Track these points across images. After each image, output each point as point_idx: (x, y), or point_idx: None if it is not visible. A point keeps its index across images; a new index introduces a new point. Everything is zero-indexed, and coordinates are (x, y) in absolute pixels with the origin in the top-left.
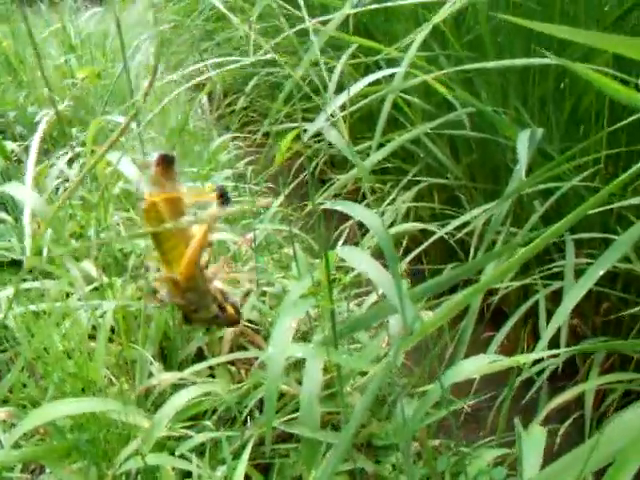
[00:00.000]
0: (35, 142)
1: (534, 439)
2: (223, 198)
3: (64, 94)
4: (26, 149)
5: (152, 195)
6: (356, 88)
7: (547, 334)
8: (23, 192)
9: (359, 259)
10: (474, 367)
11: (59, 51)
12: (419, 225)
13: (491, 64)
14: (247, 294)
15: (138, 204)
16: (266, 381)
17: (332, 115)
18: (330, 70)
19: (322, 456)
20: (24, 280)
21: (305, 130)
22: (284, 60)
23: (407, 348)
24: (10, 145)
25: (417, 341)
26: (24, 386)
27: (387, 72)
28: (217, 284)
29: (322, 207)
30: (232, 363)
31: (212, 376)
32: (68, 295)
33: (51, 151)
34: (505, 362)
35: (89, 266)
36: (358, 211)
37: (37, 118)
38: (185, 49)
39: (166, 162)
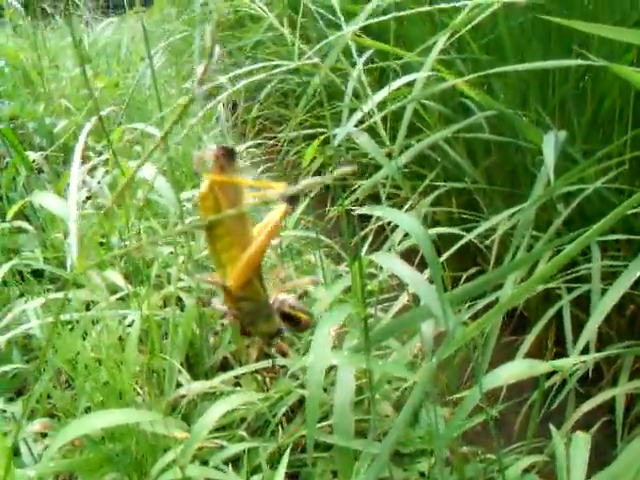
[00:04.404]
0: (78, 151)
1: (578, 447)
2: (289, 198)
3: (81, 104)
4: (47, 159)
5: (211, 181)
6: (381, 95)
7: (579, 345)
8: (54, 202)
9: (394, 264)
10: (513, 372)
11: (75, 62)
12: (446, 229)
13: (512, 67)
14: (301, 297)
15: (196, 195)
16: (307, 389)
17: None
18: (343, 76)
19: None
20: (48, 290)
21: (334, 135)
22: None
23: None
24: (32, 155)
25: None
26: (48, 397)
27: (410, 78)
28: (281, 296)
29: (352, 212)
30: (257, 371)
31: (237, 384)
32: (89, 305)
33: (69, 161)
34: (544, 367)
35: (113, 275)
36: (396, 215)
37: (56, 129)
38: (196, 59)
39: (226, 155)
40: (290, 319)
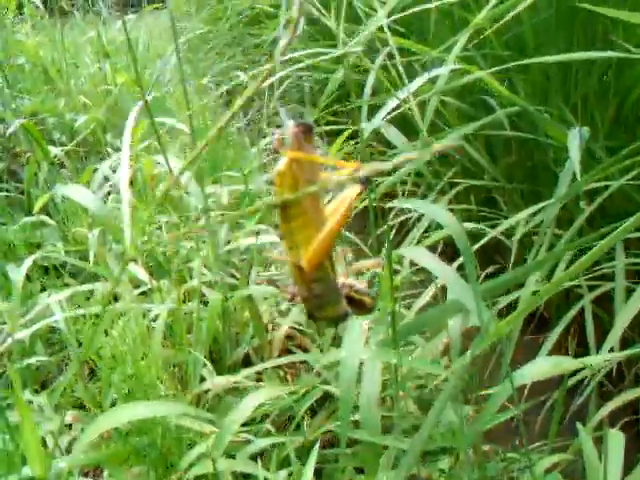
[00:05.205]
0: (128, 127)
1: (614, 445)
2: (363, 181)
3: (99, 101)
4: (67, 154)
5: (290, 159)
6: (415, 85)
7: (605, 347)
8: (80, 193)
9: (424, 258)
10: (540, 369)
11: (94, 59)
12: (469, 225)
13: (535, 60)
14: (371, 281)
15: (273, 170)
16: (339, 385)
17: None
18: (360, 72)
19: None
20: (67, 285)
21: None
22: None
23: (478, 352)
24: (53, 151)
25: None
26: (72, 390)
27: (435, 73)
28: (349, 280)
29: (382, 206)
30: (279, 366)
31: (259, 380)
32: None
33: (89, 157)
34: (572, 363)
35: (136, 269)
36: (430, 208)
37: (76, 125)
38: (212, 56)
39: (305, 131)
40: (355, 302)
